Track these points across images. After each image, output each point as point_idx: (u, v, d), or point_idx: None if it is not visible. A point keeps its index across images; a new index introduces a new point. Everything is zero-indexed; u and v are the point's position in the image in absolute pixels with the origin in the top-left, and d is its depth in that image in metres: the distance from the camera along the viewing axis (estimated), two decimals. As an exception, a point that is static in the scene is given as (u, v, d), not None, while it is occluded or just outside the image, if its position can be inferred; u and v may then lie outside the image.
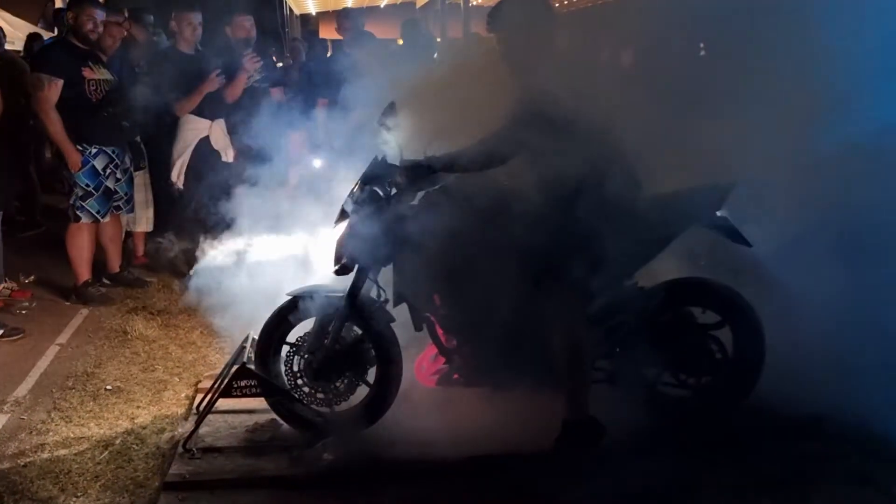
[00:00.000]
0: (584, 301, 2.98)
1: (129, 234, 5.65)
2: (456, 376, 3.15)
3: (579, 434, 2.94)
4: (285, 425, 3.26)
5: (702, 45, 3.87)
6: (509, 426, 3.08)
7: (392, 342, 3.14)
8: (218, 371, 3.60)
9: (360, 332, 3.15)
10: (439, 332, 3.15)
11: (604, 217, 2.90)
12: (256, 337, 3.32)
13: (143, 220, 5.55)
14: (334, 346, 3.10)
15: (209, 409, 3.19)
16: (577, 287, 2.93)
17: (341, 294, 3.08)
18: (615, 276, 3.09)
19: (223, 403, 3.28)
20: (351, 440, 3.08)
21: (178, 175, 5.10)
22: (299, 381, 3.17)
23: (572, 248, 2.89)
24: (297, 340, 3.18)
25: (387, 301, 3.16)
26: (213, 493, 2.83)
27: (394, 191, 3.00)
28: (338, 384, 3.17)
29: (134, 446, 3.23)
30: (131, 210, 5.24)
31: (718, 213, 3.11)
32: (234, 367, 3.20)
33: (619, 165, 3.04)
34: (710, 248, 3.37)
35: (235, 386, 3.15)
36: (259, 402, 3.35)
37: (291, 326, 3.19)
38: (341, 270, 3.07)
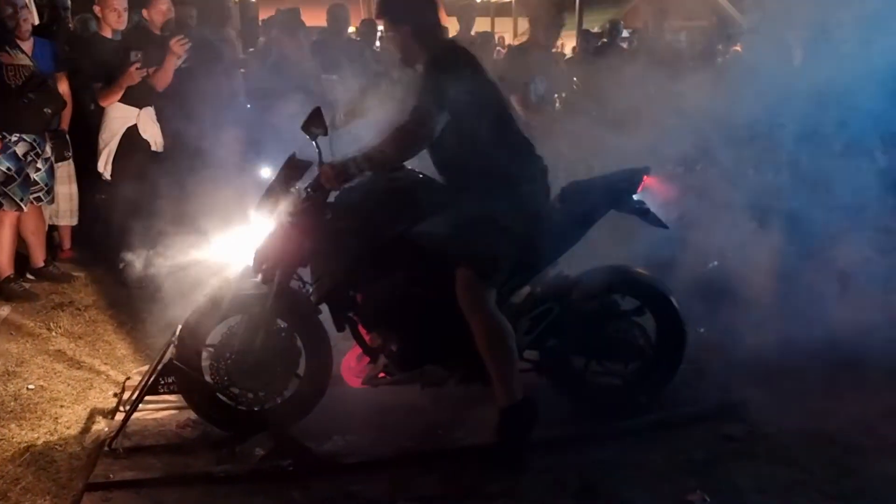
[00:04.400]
0: (494, 288, 2.94)
1: (53, 228, 5.45)
2: (382, 375, 3.11)
3: (516, 419, 2.94)
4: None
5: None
6: (441, 419, 3.11)
7: (320, 334, 3.10)
8: (147, 367, 3.50)
9: (285, 325, 3.10)
10: (362, 331, 3.11)
11: (518, 205, 2.92)
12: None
13: (68, 213, 5.35)
14: (264, 344, 3.03)
15: (135, 406, 3.11)
16: (487, 275, 2.91)
17: (264, 292, 3.02)
18: (536, 265, 3.11)
19: (152, 400, 3.22)
20: (283, 435, 3.04)
21: (104, 165, 4.92)
22: (227, 383, 3.07)
23: (484, 237, 2.89)
24: (220, 341, 3.08)
25: (311, 293, 3.12)
26: (139, 492, 2.75)
27: (308, 191, 2.95)
28: (269, 381, 3.09)
29: (57, 447, 3.12)
30: (51, 201, 5.04)
31: (635, 198, 3.18)
32: (162, 364, 3.12)
33: (524, 148, 3.06)
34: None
35: (163, 382, 3.09)
36: (189, 398, 3.30)
37: (212, 327, 3.09)
38: (264, 277, 3.02)
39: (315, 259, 3.02)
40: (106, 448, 2.99)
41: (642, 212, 3.17)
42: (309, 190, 2.94)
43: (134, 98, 4.86)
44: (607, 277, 3.19)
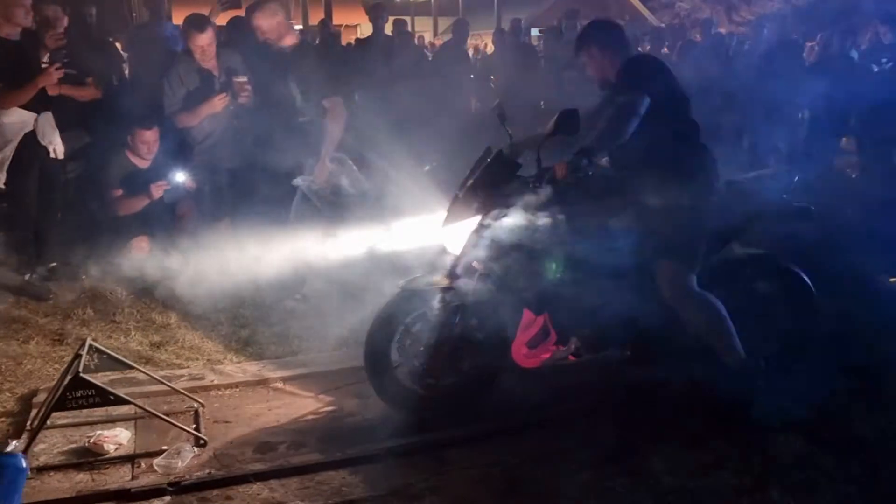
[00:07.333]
0: (695, 273, 3.16)
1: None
2: (571, 358, 3.32)
3: (748, 371, 3.17)
4: (130, 434, 3.09)
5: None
6: (363, 421, 3.08)
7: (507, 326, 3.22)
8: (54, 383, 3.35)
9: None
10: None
11: (698, 195, 3.13)
12: (91, 344, 3.13)
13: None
14: (464, 335, 3.15)
15: (42, 424, 2.97)
16: (689, 263, 3.13)
17: (459, 288, 3.11)
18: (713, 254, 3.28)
19: (61, 416, 3.09)
20: (206, 445, 3.01)
21: (-2, 173, 4.67)
22: (417, 368, 3.17)
23: (680, 228, 3.09)
24: (412, 333, 3.19)
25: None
26: (48, 514, 2.64)
27: (531, 188, 3.01)
28: (452, 367, 3.21)
29: (-43, 471, 2.95)
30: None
31: (784, 196, 3.48)
32: (69, 378, 2.99)
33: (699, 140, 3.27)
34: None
35: (70, 397, 2.95)
36: (102, 413, 3.18)
37: (406, 316, 3.19)
38: (479, 278, 3.10)
39: (521, 257, 3.09)
40: (10, 469, 2.85)
41: (794, 209, 3.44)
42: (536, 183, 3.00)
43: (31, 102, 4.62)
44: (756, 264, 3.42)
